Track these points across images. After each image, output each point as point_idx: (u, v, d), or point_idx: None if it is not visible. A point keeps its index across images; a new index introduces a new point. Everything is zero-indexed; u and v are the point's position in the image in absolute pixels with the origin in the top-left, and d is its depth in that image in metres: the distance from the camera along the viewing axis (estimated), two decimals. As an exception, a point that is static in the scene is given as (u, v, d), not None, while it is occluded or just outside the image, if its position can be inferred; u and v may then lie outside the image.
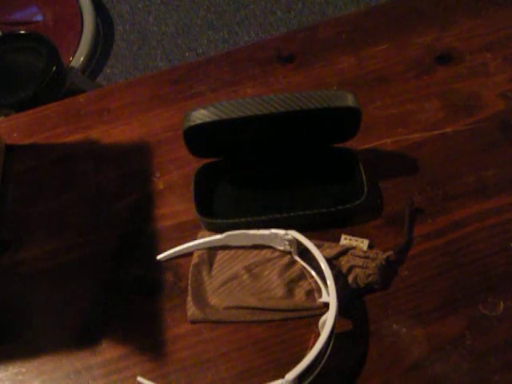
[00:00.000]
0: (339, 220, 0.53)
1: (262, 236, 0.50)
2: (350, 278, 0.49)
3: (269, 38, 0.71)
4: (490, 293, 0.48)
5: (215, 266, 0.52)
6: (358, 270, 0.49)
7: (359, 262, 0.49)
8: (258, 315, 0.49)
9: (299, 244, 0.49)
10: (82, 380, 0.48)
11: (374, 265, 0.48)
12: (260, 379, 0.46)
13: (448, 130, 0.59)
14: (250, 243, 0.52)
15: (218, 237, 0.51)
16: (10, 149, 0.63)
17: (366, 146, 0.58)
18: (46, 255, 0.55)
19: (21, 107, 0.81)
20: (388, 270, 0.50)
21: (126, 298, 0.51)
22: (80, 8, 1.67)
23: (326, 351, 0.44)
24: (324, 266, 0.46)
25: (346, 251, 0.50)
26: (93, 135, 0.63)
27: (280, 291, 0.49)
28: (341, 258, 0.50)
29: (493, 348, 0.45)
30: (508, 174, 0.55)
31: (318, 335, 0.44)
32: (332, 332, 0.43)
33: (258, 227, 0.50)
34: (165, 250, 0.53)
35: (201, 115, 0.48)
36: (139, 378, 0.46)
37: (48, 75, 1.01)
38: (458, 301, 0.48)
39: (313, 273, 0.49)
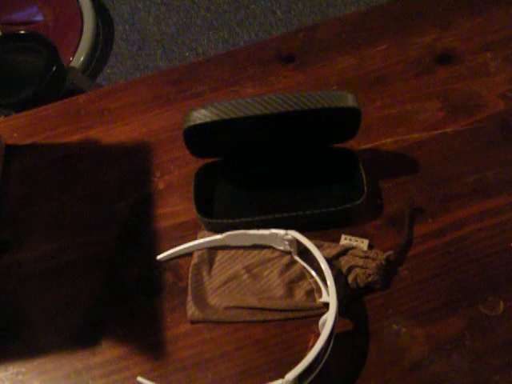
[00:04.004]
0: (339, 220, 0.53)
1: (262, 236, 0.50)
2: (350, 278, 0.49)
3: (269, 38, 0.71)
4: (490, 293, 0.48)
5: (215, 265, 0.52)
6: (358, 270, 0.49)
7: (359, 261, 0.49)
8: (258, 315, 0.49)
9: (299, 244, 0.49)
10: (81, 380, 0.48)
11: (374, 265, 0.48)
12: (260, 379, 0.46)
13: (448, 129, 0.59)
14: (249, 243, 0.52)
15: (218, 237, 0.51)
16: (10, 149, 0.63)
17: (366, 146, 0.58)
18: (46, 255, 0.55)
19: (21, 107, 0.81)
20: (388, 270, 0.50)
21: (126, 298, 0.51)
22: (80, 8, 1.67)
23: (325, 351, 0.44)
24: (324, 266, 0.46)
25: (345, 251, 0.50)
26: (93, 135, 0.63)
27: (280, 291, 0.49)
28: (341, 258, 0.50)
29: (493, 348, 0.45)
30: (508, 173, 0.55)
31: (317, 335, 0.44)
32: (332, 332, 0.43)
33: (258, 227, 0.50)
34: (165, 250, 0.53)
35: (201, 115, 0.48)
36: (139, 378, 0.46)
37: (48, 75, 1.01)
38: (458, 301, 0.48)
39: (313, 273, 0.49)
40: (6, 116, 0.69)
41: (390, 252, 0.49)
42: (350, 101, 0.48)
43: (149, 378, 0.46)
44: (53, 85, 1.03)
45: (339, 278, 0.49)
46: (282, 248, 0.51)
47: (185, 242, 0.53)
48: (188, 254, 0.53)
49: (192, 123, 0.48)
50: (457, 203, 0.53)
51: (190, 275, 0.51)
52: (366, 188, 0.52)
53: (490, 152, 0.57)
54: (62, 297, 0.52)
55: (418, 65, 0.64)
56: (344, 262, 0.50)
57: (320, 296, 0.48)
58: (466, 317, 0.47)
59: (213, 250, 0.53)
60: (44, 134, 0.64)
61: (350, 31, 0.69)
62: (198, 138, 0.51)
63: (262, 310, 0.49)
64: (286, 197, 0.55)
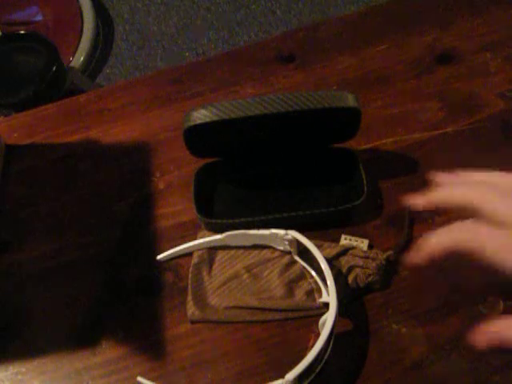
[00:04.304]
0: (339, 220, 0.53)
1: (262, 236, 0.50)
2: (350, 278, 0.49)
3: (269, 38, 0.71)
4: (490, 293, 0.48)
5: (215, 265, 0.52)
6: (358, 270, 0.49)
7: (359, 261, 0.49)
8: (257, 315, 0.49)
9: (299, 244, 0.49)
10: (81, 380, 0.48)
11: (374, 265, 0.48)
12: (260, 379, 0.46)
13: (448, 129, 0.59)
14: (249, 243, 0.52)
15: (218, 237, 0.51)
16: (10, 149, 0.63)
17: (366, 146, 0.58)
18: (46, 255, 0.55)
19: (21, 107, 0.81)
20: (388, 270, 0.50)
21: (126, 298, 0.51)
22: (80, 8, 1.67)
23: (326, 351, 0.44)
24: (324, 266, 0.46)
25: (345, 251, 0.50)
26: (93, 135, 0.63)
27: (280, 291, 0.49)
28: (341, 258, 0.50)
29: (493, 348, 0.45)
30: (508, 173, 0.55)
31: (318, 335, 0.43)
32: (332, 332, 0.43)
33: (258, 227, 0.50)
34: (165, 250, 0.53)
35: (201, 115, 0.48)
36: (139, 378, 0.46)
37: (48, 75, 1.01)
38: (458, 301, 0.48)
39: (313, 273, 0.49)
40: (5, 116, 0.69)
41: (390, 252, 0.49)
42: (350, 101, 0.48)
43: (149, 378, 0.46)
44: (53, 85, 1.03)
45: (339, 277, 0.49)
46: (281, 248, 0.51)
47: (185, 242, 0.53)
48: (188, 254, 0.53)
49: (192, 123, 0.48)
50: (457, 203, 0.53)
51: (190, 275, 0.51)
52: (366, 188, 0.52)
53: (490, 152, 0.57)
54: (62, 297, 0.52)
55: (417, 65, 0.64)
56: (344, 262, 0.50)
57: (320, 296, 0.48)
58: (465, 317, 0.47)
59: (213, 249, 0.53)
60: (44, 134, 0.64)
61: (349, 31, 0.69)
62: (198, 138, 0.51)
63: (262, 310, 0.49)
64: (286, 197, 0.55)
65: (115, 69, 1.67)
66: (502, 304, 0.47)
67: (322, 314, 0.45)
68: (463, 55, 0.64)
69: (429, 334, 0.46)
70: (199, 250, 0.53)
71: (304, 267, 0.50)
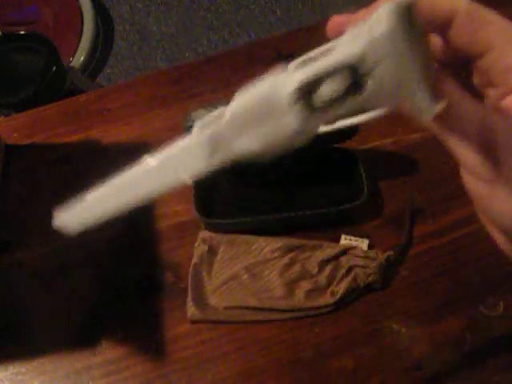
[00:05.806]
0: (339, 220, 0.53)
1: None
2: (350, 278, 0.49)
3: (269, 38, 0.71)
4: (490, 293, 0.48)
5: (215, 265, 0.52)
6: (358, 270, 0.49)
7: (359, 261, 0.49)
8: (258, 315, 0.49)
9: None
10: (81, 380, 0.47)
11: (374, 265, 0.48)
12: (260, 379, 0.46)
13: (448, 129, 0.59)
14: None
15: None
16: (10, 149, 0.63)
17: (366, 146, 0.58)
18: (46, 255, 0.55)
19: (21, 107, 0.81)
20: (388, 270, 0.50)
21: (126, 298, 0.51)
22: (80, 8, 1.67)
23: None
24: None
25: (345, 251, 0.50)
26: (93, 135, 0.63)
27: (280, 291, 0.49)
28: (341, 258, 0.50)
29: (493, 348, 0.45)
30: (508, 173, 0.55)
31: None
32: None
33: (258, 227, 0.50)
34: (165, 250, 0.53)
35: (200, 115, 0.48)
36: None
37: (48, 75, 1.01)
38: (457, 301, 0.48)
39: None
40: (6, 116, 0.69)
41: (390, 252, 0.49)
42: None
43: (149, 378, 0.46)
44: (53, 85, 1.03)
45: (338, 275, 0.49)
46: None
47: (185, 242, 0.53)
48: (188, 257, 0.53)
49: (192, 123, 0.48)
50: (457, 203, 0.53)
51: (189, 275, 0.51)
52: (366, 188, 0.52)
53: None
54: (62, 297, 0.52)
55: (418, 65, 0.64)
56: (344, 262, 0.50)
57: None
58: (466, 317, 0.47)
59: (213, 249, 0.53)
60: (44, 134, 0.64)
61: (350, 31, 0.69)
62: (197, 138, 0.51)
63: (262, 309, 0.49)
64: (286, 197, 0.55)
65: (115, 69, 1.67)
66: (502, 304, 0.47)
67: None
68: (463, 55, 0.64)
69: (429, 333, 0.46)
70: (199, 249, 0.52)
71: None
